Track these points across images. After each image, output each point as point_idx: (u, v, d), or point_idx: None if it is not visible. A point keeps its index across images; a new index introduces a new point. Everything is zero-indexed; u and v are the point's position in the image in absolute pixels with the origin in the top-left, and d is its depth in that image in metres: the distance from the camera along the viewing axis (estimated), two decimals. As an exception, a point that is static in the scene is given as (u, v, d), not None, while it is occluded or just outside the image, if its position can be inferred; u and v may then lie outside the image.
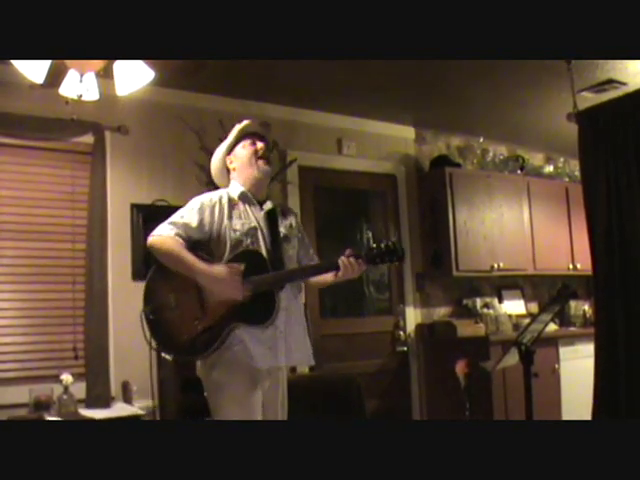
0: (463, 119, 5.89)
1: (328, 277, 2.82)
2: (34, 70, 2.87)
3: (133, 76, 3.10)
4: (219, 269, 2.65)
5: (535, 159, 6.85)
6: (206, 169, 4.65)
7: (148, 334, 2.76)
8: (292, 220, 3.02)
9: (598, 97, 5.00)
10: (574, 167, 6.44)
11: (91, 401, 4.05)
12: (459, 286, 6.07)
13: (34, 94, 3.78)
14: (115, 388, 4.21)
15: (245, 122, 3.01)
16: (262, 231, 2.82)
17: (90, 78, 3.15)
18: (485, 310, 5.91)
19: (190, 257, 2.68)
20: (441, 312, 5.99)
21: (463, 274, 5.73)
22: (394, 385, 5.63)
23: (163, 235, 2.75)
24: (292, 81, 4.71)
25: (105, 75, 3.08)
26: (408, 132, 6.07)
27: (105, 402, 4.07)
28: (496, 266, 5.77)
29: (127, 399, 4.14)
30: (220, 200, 2.84)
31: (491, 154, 6.32)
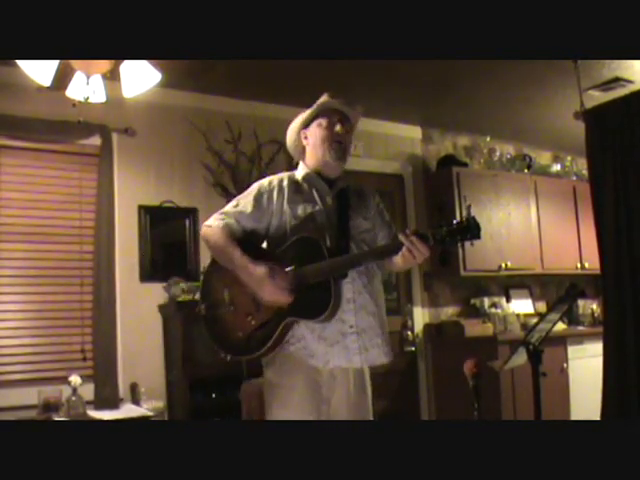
0: (470, 118, 5.88)
1: (399, 262, 2.45)
2: (41, 73, 2.88)
3: (140, 78, 3.11)
4: (260, 270, 2.36)
5: (542, 158, 6.83)
6: (213, 170, 4.69)
7: (206, 332, 2.57)
8: (367, 200, 2.74)
9: (605, 95, 4.99)
10: (581, 166, 6.42)
11: (99, 402, 4.06)
12: (467, 286, 6.07)
13: (41, 97, 3.80)
14: (124, 389, 4.22)
15: (325, 97, 2.69)
16: (328, 215, 2.54)
17: (97, 80, 3.17)
18: (493, 310, 5.90)
19: (234, 250, 2.43)
20: (449, 312, 5.99)
21: (471, 274, 5.72)
22: (402, 385, 5.63)
23: (213, 226, 2.54)
24: (298, 81, 4.70)
25: (112, 77, 3.09)
26: (415, 132, 6.07)
27: (113, 403, 4.08)
28: (504, 265, 5.76)
29: (136, 400, 4.15)
30: (280, 183, 2.60)
31: (498, 153, 6.31)
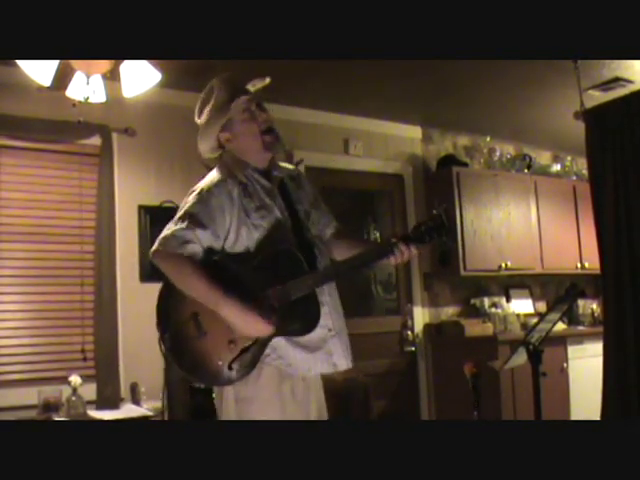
0: (470, 118, 5.88)
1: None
2: (41, 73, 2.88)
3: (140, 78, 3.11)
4: (245, 307, 2.17)
5: (542, 158, 6.83)
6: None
7: (169, 359, 2.35)
8: (305, 186, 2.60)
9: (605, 95, 4.99)
10: (581, 165, 6.42)
11: (102, 402, 4.07)
12: (467, 285, 6.07)
13: (41, 97, 3.80)
14: (124, 389, 4.22)
15: (223, 92, 2.46)
16: (284, 218, 2.38)
17: (97, 80, 3.17)
18: (493, 309, 5.90)
19: (208, 286, 2.20)
20: (449, 312, 5.99)
21: (471, 273, 5.72)
22: (402, 385, 5.63)
23: (171, 253, 2.26)
24: (298, 81, 4.70)
25: (112, 77, 3.09)
26: (415, 132, 6.07)
27: (116, 403, 4.09)
28: (504, 265, 5.76)
29: (136, 400, 4.15)
30: (229, 192, 2.34)
31: (498, 153, 6.31)
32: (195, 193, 2.38)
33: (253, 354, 2.24)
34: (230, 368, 2.23)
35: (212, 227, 2.29)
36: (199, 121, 2.60)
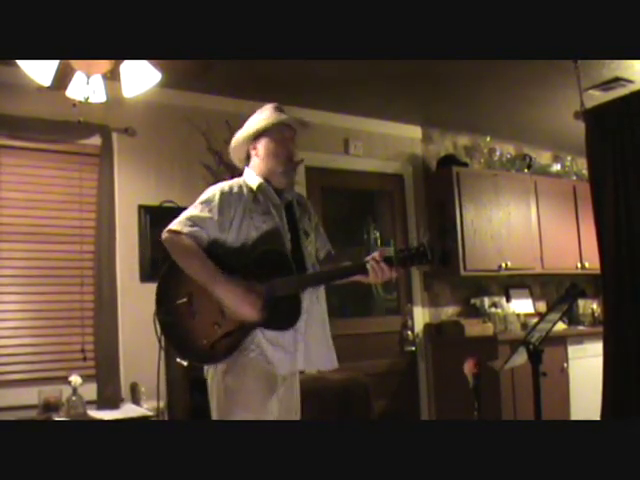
0: (470, 118, 5.88)
1: (355, 278, 2.62)
2: (41, 73, 2.88)
3: (140, 78, 3.11)
4: (238, 289, 2.44)
5: (542, 158, 6.83)
6: (213, 170, 4.69)
7: (162, 338, 2.55)
8: (310, 212, 2.86)
9: (605, 95, 4.99)
10: (581, 165, 6.42)
11: (102, 402, 4.07)
12: (467, 285, 6.07)
13: (41, 97, 3.80)
14: (124, 389, 4.22)
15: (273, 111, 2.75)
16: (283, 227, 2.64)
17: (97, 80, 3.17)
18: (493, 309, 5.90)
19: (207, 265, 2.47)
20: (449, 312, 5.99)
21: (471, 273, 5.71)
22: (402, 385, 5.63)
23: (179, 233, 2.53)
24: (298, 81, 4.71)
25: (112, 77, 3.09)
26: (415, 132, 6.07)
27: (116, 403, 4.09)
28: (504, 265, 5.76)
29: (136, 400, 4.15)
30: (240, 191, 2.64)
31: (498, 153, 6.31)
32: (213, 188, 2.67)
33: (234, 339, 2.48)
34: (212, 347, 2.48)
35: (220, 220, 2.56)
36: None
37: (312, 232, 2.81)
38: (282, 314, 2.50)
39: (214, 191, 2.64)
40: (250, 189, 2.67)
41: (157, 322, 2.55)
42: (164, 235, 2.58)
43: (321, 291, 2.73)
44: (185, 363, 2.59)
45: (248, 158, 2.80)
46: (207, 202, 2.61)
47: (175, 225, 2.57)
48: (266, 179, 2.71)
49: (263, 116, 2.76)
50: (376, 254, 2.49)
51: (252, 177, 2.73)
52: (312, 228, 2.82)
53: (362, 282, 2.62)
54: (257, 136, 2.74)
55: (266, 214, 2.62)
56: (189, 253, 2.51)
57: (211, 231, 2.55)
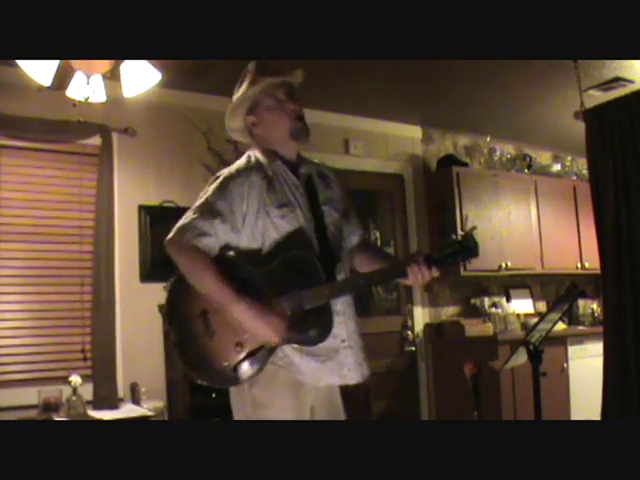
0: (470, 118, 5.88)
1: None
2: (41, 73, 2.88)
3: (140, 78, 3.11)
4: (258, 310, 2.13)
5: (542, 158, 6.83)
6: (213, 169, 4.68)
7: (175, 356, 2.30)
8: (334, 189, 2.47)
9: (605, 95, 5.00)
10: (582, 165, 6.42)
11: (98, 402, 4.06)
12: (467, 285, 6.07)
13: (41, 96, 3.79)
14: (124, 389, 4.22)
15: (258, 73, 2.41)
16: (306, 219, 2.29)
17: (97, 80, 3.17)
18: (493, 309, 5.90)
19: (221, 283, 2.13)
20: (449, 312, 5.99)
21: (471, 273, 5.71)
22: (402, 385, 5.63)
23: (186, 244, 2.18)
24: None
25: (112, 77, 3.09)
26: (415, 131, 6.07)
27: (112, 403, 4.08)
28: (504, 265, 5.76)
29: (136, 400, 4.15)
30: (250, 179, 2.26)
31: (498, 153, 6.31)
32: (218, 180, 2.30)
33: (259, 359, 2.18)
34: (235, 370, 2.18)
35: (231, 219, 2.22)
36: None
37: (340, 215, 2.42)
38: (311, 328, 2.20)
39: (221, 181, 2.27)
40: (264, 172, 2.30)
41: (170, 341, 2.32)
42: (168, 246, 2.22)
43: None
44: (205, 383, 2.24)
45: (251, 133, 2.45)
46: (214, 199, 2.23)
47: (180, 235, 2.20)
48: (276, 153, 2.37)
49: (246, 83, 2.44)
50: (417, 255, 2.24)
51: (261, 156, 2.37)
52: (339, 208, 2.44)
53: (402, 283, 2.32)
54: (250, 109, 2.42)
55: (284, 206, 2.26)
56: (199, 269, 2.17)
57: (221, 235, 2.21)
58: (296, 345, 2.21)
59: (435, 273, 2.25)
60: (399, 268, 2.29)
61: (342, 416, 2.41)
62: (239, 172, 2.28)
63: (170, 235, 2.23)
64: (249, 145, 2.49)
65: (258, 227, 2.24)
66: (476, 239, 2.25)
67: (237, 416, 2.29)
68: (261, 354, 2.18)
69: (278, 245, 2.24)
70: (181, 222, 2.24)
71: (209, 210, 2.22)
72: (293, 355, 2.21)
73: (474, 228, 2.33)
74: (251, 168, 2.30)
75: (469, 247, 2.25)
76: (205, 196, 2.27)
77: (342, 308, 2.28)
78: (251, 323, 2.13)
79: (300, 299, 2.17)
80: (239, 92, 2.45)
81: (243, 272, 2.22)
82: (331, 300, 2.22)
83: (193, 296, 2.22)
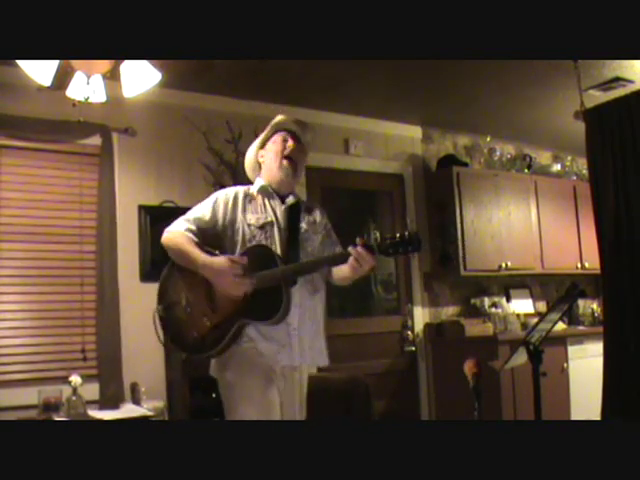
0: (470, 118, 5.88)
1: (346, 272, 2.61)
2: (41, 72, 2.88)
3: (140, 78, 3.11)
4: (220, 261, 2.55)
5: (542, 158, 6.83)
6: (213, 169, 4.69)
7: (161, 332, 2.70)
8: (317, 216, 2.90)
9: (605, 95, 4.99)
10: (582, 165, 6.42)
11: (104, 401, 4.07)
12: (467, 285, 6.07)
13: (41, 96, 3.79)
14: (124, 389, 4.22)
15: (279, 117, 2.92)
16: (279, 226, 2.72)
17: (97, 80, 3.16)
18: (493, 309, 5.90)
19: (194, 250, 2.62)
20: (449, 312, 5.99)
21: (471, 273, 5.72)
22: (402, 385, 5.63)
23: (174, 231, 2.71)
24: (299, 81, 4.71)
25: (112, 77, 3.09)
26: (415, 131, 6.07)
27: (118, 402, 4.09)
28: (504, 265, 5.76)
29: (136, 400, 4.15)
30: (236, 194, 2.79)
31: (498, 153, 6.31)
32: (211, 195, 2.83)
33: (221, 330, 2.58)
34: (202, 339, 2.62)
35: (213, 218, 2.73)
36: None
37: (317, 235, 2.84)
38: (265, 306, 2.54)
39: (212, 195, 2.82)
40: (248, 194, 2.81)
41: (156, 317, 2.71)
42: (163, 238, 2.75)
43: (318, 286, 2.77)
44: (183, 356, 2.80)
45: (259, 168, 2.92)
46: (203, 205, 2.78)
47: (170, 226, 2.75)
48: (269, 183, 2.82)
49: (267, 127, 2.91)
50: (357, 241, 2.46)
51: (256, 183, 2.86)
52: (318, 232, 2.85)
53: (351, 274, 2.59)
54: (262, 145, 2.92)
55: (260, 212, 2.74)
56: (179, 245, 2.67)
57: (204, 227, 2.72)
58: (258, 326, 2.59)
59: (374, 259, 2.46)
60: (342, 254, 2.56)
61: (303, 401, 2.78)
62: (226, 193, 2.81)
63: (166, 229, 2.77)
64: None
65: (236, 226, 2.72)
66: (419, 236, 2.39)
67: (223, 401, 2.66)
68: (224, 326, 2.58)
69: (246, 239, 2.69)
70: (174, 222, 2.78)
71: (195, 211, 2.77)
72: (257, 339, 2.59)
73: (413, 227, 2.69)
74: (238, 191, 2.82)
75: (410, 241, 2.37)
76: (195, 208, 2.80)
77: (299, 301, 2.63)
78: (216, 276, 2.55)
79: (258, 278, 2.54)
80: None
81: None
82: (287, 289, 2.54)
83: (178, 280, 2.73)
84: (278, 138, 2.85)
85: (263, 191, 2.81)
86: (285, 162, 2.79)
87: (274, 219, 2.73)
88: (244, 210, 2.74)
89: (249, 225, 2.70)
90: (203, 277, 2.60)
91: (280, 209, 2.77)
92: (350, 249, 2.46)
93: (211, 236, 2.73)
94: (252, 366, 2.57)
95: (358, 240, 2.47)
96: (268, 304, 2.54)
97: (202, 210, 2.75)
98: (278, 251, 2.64)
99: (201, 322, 2.63)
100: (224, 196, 2.78)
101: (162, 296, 2.77)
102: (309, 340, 2.67)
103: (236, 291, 2.53)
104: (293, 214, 2.79)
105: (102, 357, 4.20)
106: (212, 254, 2.64)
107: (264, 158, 2.88)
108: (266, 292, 2.54)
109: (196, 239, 2.69)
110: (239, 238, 2.69)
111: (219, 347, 2.59)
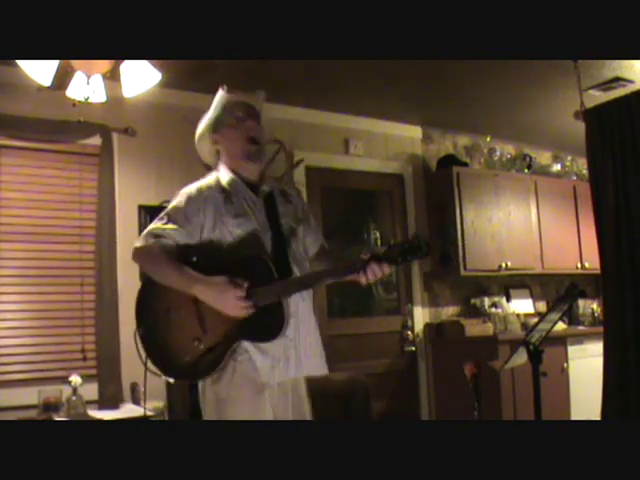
0: (470, 118, 5.88)
1: (349, 278, 2.36)
2: (42, 73, 2.89)
3: (140, 78, 3.11)
4: (219, 282, 2.27)
5: (542, 158, 6.83)
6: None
7: (144, 356, 2.45)
8: (293, 199, 2.63)
9: (605, 95, 4.99)
10: (582, 165, 6.42)
11: (103, 401, 4.07)
12: (467, 285, 6.07)
13: (42, 96, 3.79)
14: (124, 389, 4.22)
15: (226, 95, 2.61)
16: (263, 229, 2.43)
17: (97, 80, 3.17)
18: (493, 309, 5.90)
19: (181, 269, 2.32)
20: (449, 312, 5.99)
21: (471, 273, 5.72)
22: (402, 385, 5.63)
23: (146, 246, 2.40)
24: (299, 81, 4.71)
25: (112, 77, 3.09)
26: (415, 131, 6.07)
27: (117, 402, 4.09)
28: (504, 265, 5.76)
29: (136, 400, 4.15)
30: (209, 193, 2.45)
31: (498, 153, 6.31)
32: (181, 193, 2.50)
33: (217, 354, 2.32)
34: (195, 365, 2.34)
35: (186, 226, 2.40)
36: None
37: (299, 226, 2.57)
38: (266, 324, 2.31)
39: (181, 197, 2.47)
40: (222, 188, 2.48)
41: (138, 339, 2.45)
42: (133, 256, 2.47)
43: (308, 294, 2.52)
44: (172, 381, 2.49)
45: (218, 153, 2.63)
46: (172, 212, 2.44)
47: (140, 240, 2.43)
48: (236, 172, 2.51)
49: (213, 106, 2.62)
50: (366, 255, 2.25)
51: (224, 174, 2.53)
52: (298, 221, 2.58)
53: (358, 283, 2.35)
54: (214, 128, 2.62)
55: (240, 216, 2.42)
56: (159, 262, 2.38)
57: (178, 239, 2.40)
58: (252, 344, 2.33)
59: (387, 269, 2.25)
60: (347, 266, 2.32)
61: (307, 414, 2.51)
62: (197, 189, 2.48)
63: (134, 246, 2.46)
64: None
65: (215, 234, 2.41)
66: (426, 240, 2.22)
67: (205, 416, 2.42)
68: (220, 349, 2.31)
69: (234, 249, 2.39)
70: (143, 232, 2.46)
71: (166, 222, 2.42)
72: (251, 351, 2.34)
73: (418, 234, 2.30)
74: (209, 186, 2.49)
75: (419, 246, 2.20)
76: (164, 212, 2.47)
77: (294, 309, 2.39)
78: (215, 299, 2.28)
79: (253, 296, 2.28)
80: (206, 115, 2.65)
81: (202, 269, 2.35)
82: (285, 300, 2.31)
83: (157, 297, 2.44)
84: (233, 121, 2.55)
85: (235, 185, 2.48)
86: (251, 147, 2.50)
87: (255, 220, 2.44)
88: (223, 213, 2.42)
89: (230, 232, 2.41)
90: (189, 295, 2.33)
91: (257, 204, 2.48)
92: (359, 265, 2.25)
93: (187, 246, 2.42)
94: (244, 380, 2.33)
95: (363, 256, 2.25)
96: (268, 322, 2.31)
97: (174, 218, 2.42)
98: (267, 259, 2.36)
99: (192, 346, 2.34)
100: (197, 196, 2.45)
101: (142, 316, 2.48)
102: (306, 350, 2.46)
103: (239, 314, 2.27)
104: (271, 208, 2.51)
105: (101, 357, 4.20)
106: (201, 269, 2.35)
107: (221, 144, 2.59)
108: (264, 309, 2.30)
109: (173, 253, 2.39)
110: (222, 247, 2.41)
111: (215, 371, 2.33)
